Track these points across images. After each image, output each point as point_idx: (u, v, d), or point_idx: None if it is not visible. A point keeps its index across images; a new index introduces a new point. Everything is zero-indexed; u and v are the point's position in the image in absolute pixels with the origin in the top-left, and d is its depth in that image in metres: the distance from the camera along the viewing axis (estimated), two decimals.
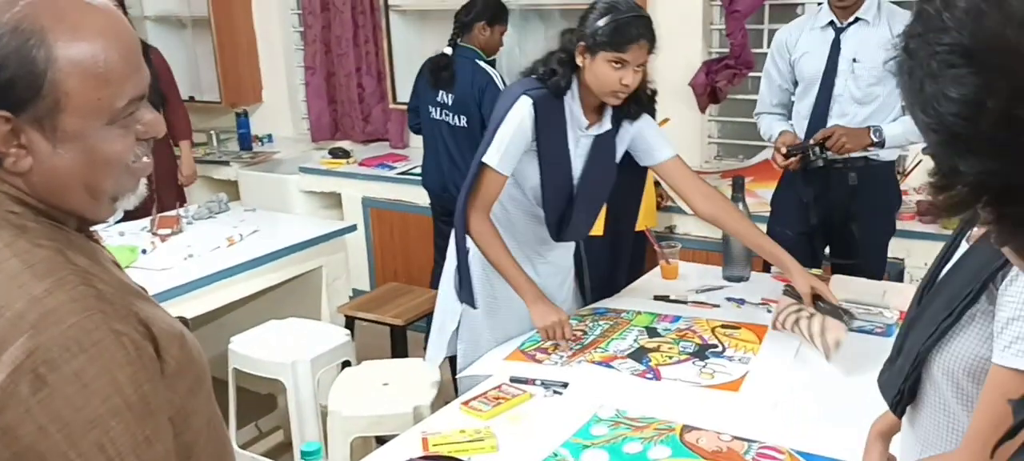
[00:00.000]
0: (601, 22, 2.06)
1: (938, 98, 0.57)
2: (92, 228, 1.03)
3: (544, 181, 2.21)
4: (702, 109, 3.81)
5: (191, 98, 5.21)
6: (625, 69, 2.07)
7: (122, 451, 0.86)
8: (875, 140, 2.67)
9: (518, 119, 2.13)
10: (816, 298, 2.12)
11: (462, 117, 3.57)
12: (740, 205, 2.55)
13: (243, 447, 3.13)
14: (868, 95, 2.71)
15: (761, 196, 3.31)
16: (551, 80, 2.15)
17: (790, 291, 2.20)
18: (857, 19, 2.70)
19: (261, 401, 3.42)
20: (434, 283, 3.67)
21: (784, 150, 2.72)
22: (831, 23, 2.75)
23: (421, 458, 1.66)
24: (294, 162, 4.73)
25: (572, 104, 2.18)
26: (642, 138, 2.30)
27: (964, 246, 1.24)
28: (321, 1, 4.82)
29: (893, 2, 2.77)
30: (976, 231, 1.23)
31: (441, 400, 2.50)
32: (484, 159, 2.14)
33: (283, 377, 2.79)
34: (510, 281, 2.17)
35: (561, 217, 2.27)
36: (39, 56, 0.86)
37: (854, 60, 2.69)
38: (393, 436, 1.93)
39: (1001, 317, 1.08)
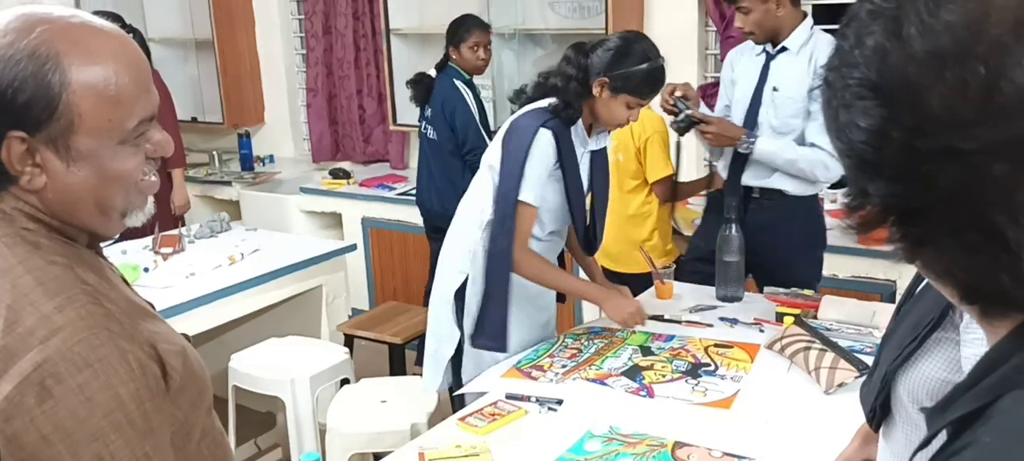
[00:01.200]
0: (638, 67, 2.16)
1: (850, 127, 0.61)
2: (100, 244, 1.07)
3: (571, 202, 2.30)
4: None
5: (194, 119, 5.28)
6: (637, 110, 2.21)
7: None
8: (745, 143, 2.67)
9: (542, 150, 2.20)
10: (825, 341, 2.15)
11: (434, 131, 3.74)
12: (733, 228, 2.58)
13: None
14: (785, 124, 2.69)
15: None
16: (565, 113, 2.22)
17: (799, 320, 2.24)
18: (784, 48, 2.70)
19: (260, 419, 3.45)
20: (426, 300, 3.76)
21: (673, 96, 2.68)
22: (765, 49, 2.75)
23: None
24: (295, 182, 4.78)
25: (578, 126, 2.28)
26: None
27: None
28: (323, 24, 4.89)
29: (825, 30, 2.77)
30: None
31: (438, 417, 2.54)
32: (521, 197, 2.19)
33: (282, 394, 2.82)
34: (575, 293, 2.47)
35: (586, 230, 2.42)
36: (54, 80, 0.90)
37: (774, 89, 2.70)
38: (390, 452, 1.96)
39: (970, 353, 1.12)
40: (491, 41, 3.79)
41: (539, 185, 2.21)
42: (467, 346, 2.36)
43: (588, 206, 2.45)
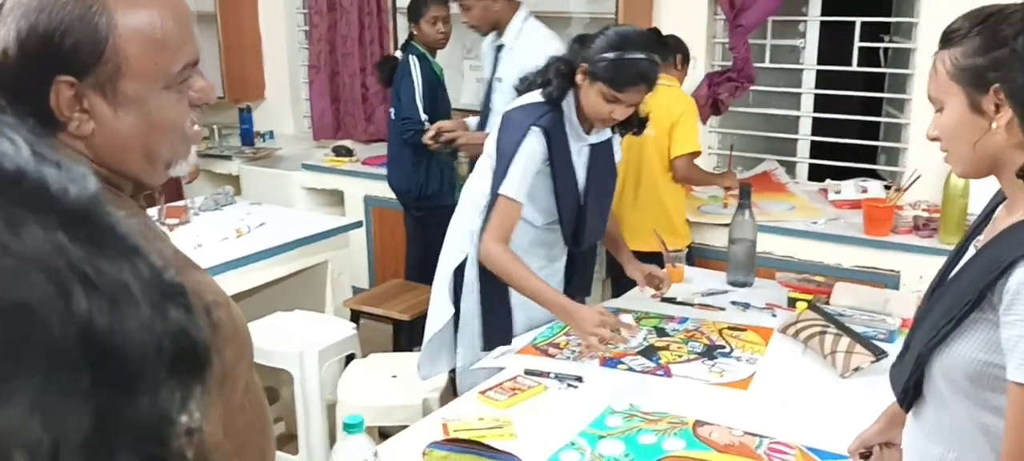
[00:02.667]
0: (607, 54, 2.09)
1: None
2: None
3: (559, 198, 2.27)
4: (704, 120, 3.88)
5: None
6: (617, 105, 2.11)
7: None
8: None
9: (531, 151, 2.18)
10: (840, 326, 2.17)
11: (393, 109, 3.77)
12: (747, 213, 2.62)
13: None
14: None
15: (761, 207, 3.38)
16: (545, 90, 2.19)
17: (813, 306, 2.27)
18: (502, 45, 2.99)
19: None
20: (408, 275, 3.80)
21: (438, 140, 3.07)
22: (492, 39, 3.01)
23: (444, 441, 1.71)
24: (297, 159, 4.76)
25: (570, 115, 2.23)
26: (616, 142, 2.39)
27: (972, 251, 1.31)
28: (328, 1, 4.86)
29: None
30: (983, 238, 1.30)
31: (449, 393, 2.55)
32: (501, 190, 2.18)
33: (290, 367, 2.82)
34: (539, 300, 2.16)
35: (576, 227, 2.34)
36: (101, 22, 0.89)
37: (498, 79, 2.95)
38: (398, 428, 1.97)
39: (1011, 334, 1.14)
40: (450, 16, 3.77)
41: (524, 183, 2.18)
42: (462, 326, 2.39)
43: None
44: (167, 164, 0.99)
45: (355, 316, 3.46)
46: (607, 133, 2.32)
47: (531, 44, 3.04)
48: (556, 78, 2.18)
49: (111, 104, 0.92)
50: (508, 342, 2.28)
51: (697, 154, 3.22)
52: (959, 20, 1.21)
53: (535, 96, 2.25)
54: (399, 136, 3.71)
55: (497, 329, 2.32)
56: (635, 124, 2.31)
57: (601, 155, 2.33)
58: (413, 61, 3.70)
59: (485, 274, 2.27)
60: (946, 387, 1.27)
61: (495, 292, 2.30)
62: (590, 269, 2.64)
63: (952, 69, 1.19)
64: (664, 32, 3.44)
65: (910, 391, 1.34)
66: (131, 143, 0.95)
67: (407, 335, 3.42)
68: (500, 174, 2.20)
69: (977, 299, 1.19)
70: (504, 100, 3.04)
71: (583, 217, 2.33)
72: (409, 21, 3.79)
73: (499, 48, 3.10)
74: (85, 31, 0.89)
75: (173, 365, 0.41)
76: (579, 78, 2.15)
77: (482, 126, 3.21)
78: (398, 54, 3.87)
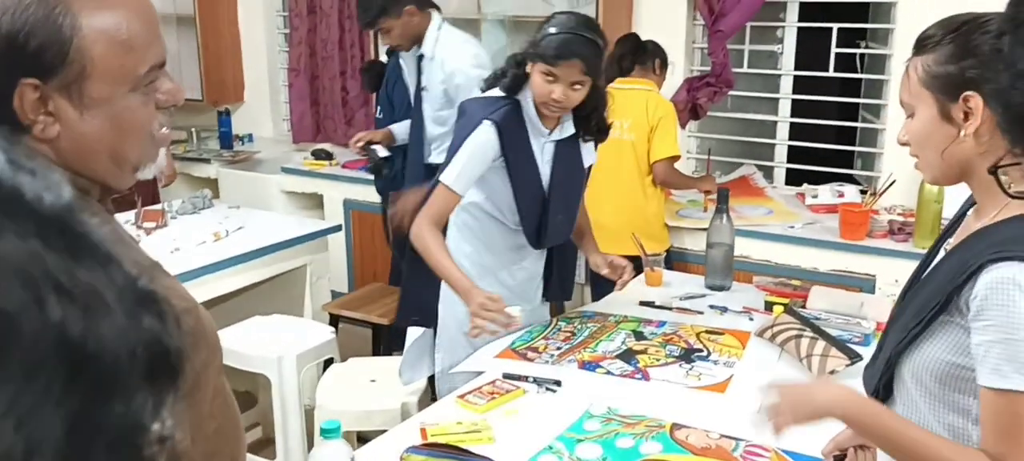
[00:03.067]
0: (546, 31, 2.14)
1: None
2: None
3: (517, 194, 2.26)
4: (683, 125, 3.90)
5: None
6: (556, 84, 2.11)
7: None
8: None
9: (478, 143, 2.18)
10: (816, 330, 2.19)
11: (383, 112, 3.78)
12: (724, 217, 2.63)
13: None
14: (438, 117, 3.18)
15: (739, 211, 3.40)
16: (499, 82, 2.23)
17: (790, 309, 2.28)
18: (422, 56, 3.15)
19: (240, 398, 3.40)
20: (393, 278, 3.79)
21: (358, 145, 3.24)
22: (413, 53, 3.16)
23: (421, 446, 1.71)
24: (276, 162, 4.74)
25: (529, 110, 2.23)
26: (586, 143, 2.39)
27: (942, 254, 1.33)
28: (308, 4, 4.85)
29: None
30: (953, 241, 1.32)
31: (428, 398, 2.55)
32: (442, 177, 2.20)
33: (268, 372, 2.80)
34: (449, 281, 2.19)
35: (538, 225, 2.33)
36: (65, 24, 0.89)
37: (424, 88, 3.14)
38: (375, 433, 1.96)
39: (982, 340, 1.16)
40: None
41: (466, 173, 2.19)
42: (441, 330, 2.40)
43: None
44: (134, 167, 0.99)
45: (335, 320, 3.45)
46: (570, 129, 2.29)
47: (449, 50, 3.17)
48: (510, 69, 2.21)
49: (77, 107, 0.91)
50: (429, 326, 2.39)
51: (677, 158, 3.25)
52: (932, 27, 1.22)
53: (497, 90, 2.27)
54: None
55: (418, 312, 2.40)
56: (595, 123, 2.29)
57: (566, 153, 2.31)
58: (403, 65, 3.68)
59: (413, 268, 2.33)
60: (915, 388, 1.29)
61: (424, 288, 2.36)
62: (570, 273, 2.65)
63: (924, 76, 1.21)
64: (644, 37, 3.46)
65: (880, 392, 1.36)
66: (97, 146, 0.94)
67: (386, 340, 3.41)
68: (446, 162, 2.23)
69: (944, 302, 1.21)
70: (433, 108, 3.21)
71: (546, 214, 2.32)
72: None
73: (420, 58, 3.18)
74: (49, 33, 0.88)
75: (147, 372, 0.42)
76: (528, 66, 2.17)
77: (414, 136, 3.35)
78: (384, 58, 3.86)
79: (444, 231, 2.36)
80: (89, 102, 0.91)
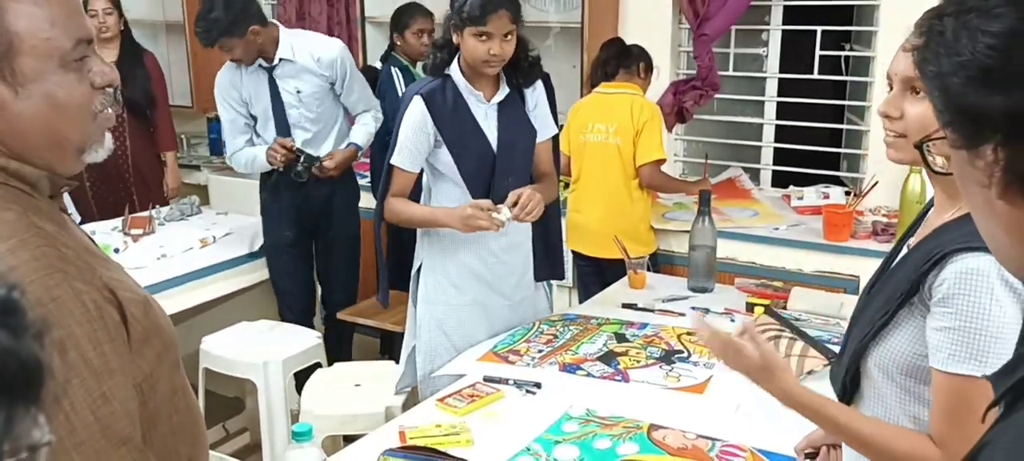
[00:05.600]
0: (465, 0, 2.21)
1: (974, 35, 0.64)
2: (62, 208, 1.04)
3: (457, 160, 2.33)
4: (669, 128, 3.92)
5: None
6: (491, 40, 2.22)
7: (77, 406, 0.88)
8: (358, 146, 3.28)
9: (412, 117, 2.29)
10: (795, 330, 2.21)
11: None
12: (705, 220, 2.65)
13: (210, 448, 3.14)
14: (319, 117, 3.26)
15: (725, 213, 3.42)
16: (429, 63, 2.33)
17: (770, 310, 2.30)
18: (283, 60, 3.18)
19: (228, 403, 3.43)
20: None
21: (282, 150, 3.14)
22: (260, 65, 3.17)
23: (399, 449, 1.72)
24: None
25: (459, 81, 2.31)
26: (537, 111, 2.45)
27: (905, 251, 1.34)
28: (297, 10, 4.86)
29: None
30: (914, 240, 1.33)
31: (412, 402, 2.56)
32: (391, 160, 2.32)
33: (255, 377, 2.82)
34: (435, 221, 2.34)
35: (487, 187, 2.36)
36: None
37: (298, 91, 3.18)
38: (362, 436, 1.97)
39: (940, 325, 1.17)
40: (435, 29, 3.79)
41: (411, 150, 2.30)
42: (421, 332, 2.43)
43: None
44: (78, 149, 0.98)
45: (344, 327, 3.46)
46: (506, 89, 2.36)
47: (313, 42, 3.23)
48: (436, 52, 2.32)
49: (10, 85, 0.91)
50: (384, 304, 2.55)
51: (662, 161, 3.26)
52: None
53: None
54: (384, 148, 3.71)
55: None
56: (524, 65, 2.36)
57: (510, 113, 2.38)
58: (396, 73, 3.71)
59: (433, 276, 2.40)
60: (882, 380, 1.30)
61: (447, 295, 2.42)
62: (557, 246, 2.63)
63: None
64: (629, 41, 3.48)
65: (848, 387, 1.37)
66: (36, 126, 0.93)
67: (397, 347, 3.43)
68: (392, 145, 2.33)
69: (909, 290, 1.22)
70: (313, 112, 3.23)
71: (494, 176, 2.36)
72: (392, 32, 3.80)
73: (271, 70, 3.17)
74: None
75: None
76: (455, 38, 2.26)
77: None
78: (377, 65, 3.88)
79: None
80: (22, 79, 0.91)
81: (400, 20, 3.78)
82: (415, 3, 3.83)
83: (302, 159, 3.14)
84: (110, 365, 0.91)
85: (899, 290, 1.24)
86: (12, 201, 0.93)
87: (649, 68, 3.42)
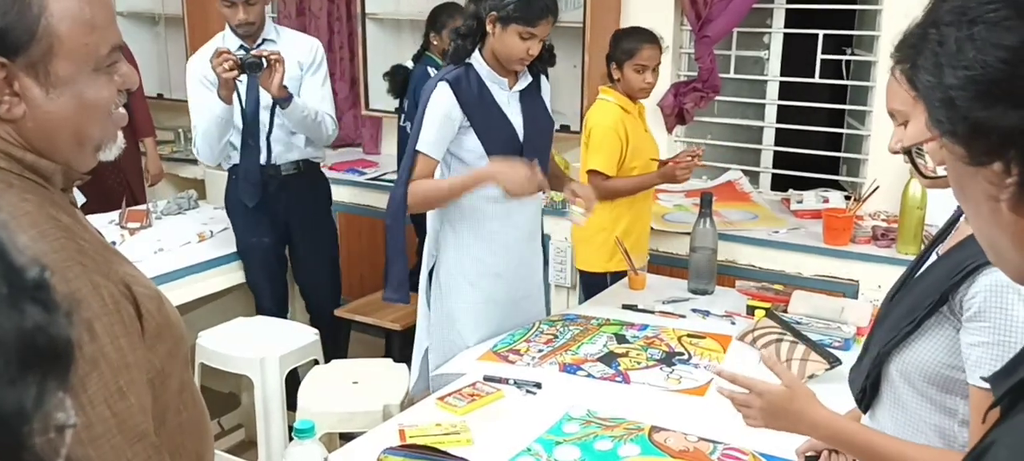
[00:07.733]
0: None
1: (984, 47, 0.63)
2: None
3: (487, 146, 2.31)
4: (669, 130, 3.91)
5: (160, 95, 5.19)
6: (532, 41, 2.23)
7: (94, 399, 0.88)
8: (294, 97, 3.06)
9: (439, 103, 2.27)
10: (797, 334, 2.20)
11: (410, 122, 3.69)
12: (706, 222, 2.64)
13: None
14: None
15: (724, 215, 3.41)
16: (455, 46, 2.30)
17: (771, 314, 2.29)
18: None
19: (223, 399, 3.41)
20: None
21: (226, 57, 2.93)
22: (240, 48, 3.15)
23: (399, 447, 1.71)
24: None
25: (482, 69, 2.31)
26: (547, 102, 2.47)
27: (934, 257, 1.33)
28: (297, 6, 4.84)
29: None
30: (944, 247, 1.32)
31: (409, 400, 2.54)
32: (417, 147, 2.28)
33: (251, 373, 2.79)
34: (463, 187, 2.29)
35: None
36: (34, 2, 0.90)
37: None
38: (358, 434, 1.96)
39: (974, 340, 1.17)
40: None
41: (437, 136, 2.28)
42: (433, 332, 2.41)
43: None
44: (96, 147, 1.00)
45: (347, 325, 3.44)
46: (528, 77, 2.39)
47: (288, 34, 3.27)
48: (461, 39, 2.30)
49: (43, 85, 0.92)
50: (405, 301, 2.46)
51: (602, 174, 2.91)
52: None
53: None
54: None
55: (394, 289, 2.45)
56: (546, 54, 2.40)
57: (531, 101, 2.41)
58: (433, 73, 3.67)
59: (390, 246, 2.41)
60: (903, 387, 1.29)
61: (399, 263, 2.43)
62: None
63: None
64: None
65: (867, 391, 1.36)
66: (62, 125, 0.94)
67: (399, 345, 3.41)
68: (416, 132, 2.30)
69: (939, 301, 1.22)
70: (294, 119, 3.09)
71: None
72: (429, 30, 3.77)
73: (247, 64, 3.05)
74: (18, 12, 0.89)
75: (26, 361, 0.41)
76: (490, 28, 2.25)
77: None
78: (409, 64, 3.84)
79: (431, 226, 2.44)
80: (56, 80, 0.92)
81: (438, 18, 3.74)
82: (454, 2, 3.81)
83: (248, 56, 2.99)
84: (127, 359, 0.91)
85: (928, 298, 1.22)
86: (29, 191, 0.93)
87: (619, 64, 3.03)
